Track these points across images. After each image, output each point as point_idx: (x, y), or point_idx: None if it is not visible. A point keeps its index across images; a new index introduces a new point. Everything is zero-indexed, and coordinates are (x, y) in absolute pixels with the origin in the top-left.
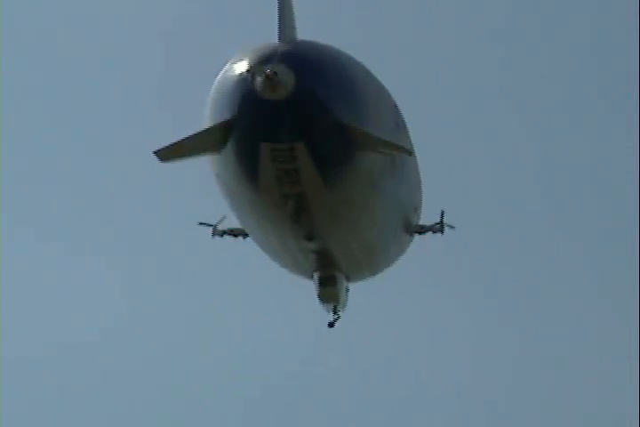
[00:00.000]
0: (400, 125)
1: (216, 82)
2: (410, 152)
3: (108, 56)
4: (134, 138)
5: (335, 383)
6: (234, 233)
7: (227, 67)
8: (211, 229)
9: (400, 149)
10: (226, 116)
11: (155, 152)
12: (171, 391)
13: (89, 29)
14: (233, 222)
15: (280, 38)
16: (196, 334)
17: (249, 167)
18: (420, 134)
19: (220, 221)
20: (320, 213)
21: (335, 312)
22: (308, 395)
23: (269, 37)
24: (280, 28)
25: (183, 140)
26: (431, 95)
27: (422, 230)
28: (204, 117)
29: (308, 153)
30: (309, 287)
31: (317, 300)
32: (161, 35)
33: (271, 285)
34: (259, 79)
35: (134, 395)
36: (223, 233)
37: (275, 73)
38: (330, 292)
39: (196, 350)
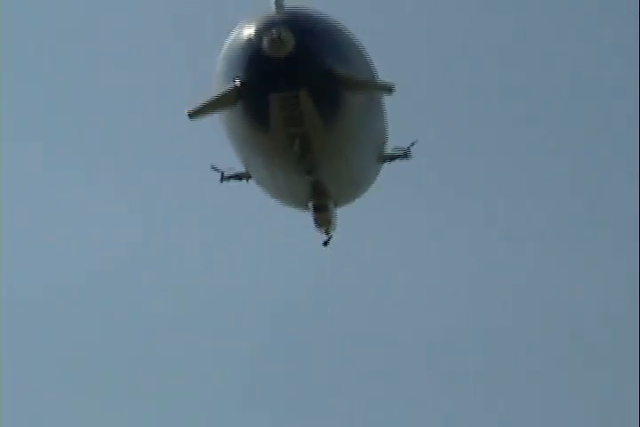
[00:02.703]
0: (374, 72)
1: (226, 44)
2: (390, 89)
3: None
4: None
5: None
6: (239, 177)
7: (235, 32)
8: (219, 174)
9: (382, 87)
10: (239, 73)
11: (187, 112)
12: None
13: None
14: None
15: (277, 8)
16: (204, 265)
17: (261, 115)
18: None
19: (229, 170)
20: (320, 148)
21: (327, 233)
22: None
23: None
24: None
25: (209, 100)
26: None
27: (391, 158)
28: (216, 76)
29: (309, 98)
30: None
31: (313, 224)
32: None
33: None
34: (265, 41)
35: (141, 324)
36: (230, 177)
37: (279, 35)
38: (324, 216)
39: (203, 280)
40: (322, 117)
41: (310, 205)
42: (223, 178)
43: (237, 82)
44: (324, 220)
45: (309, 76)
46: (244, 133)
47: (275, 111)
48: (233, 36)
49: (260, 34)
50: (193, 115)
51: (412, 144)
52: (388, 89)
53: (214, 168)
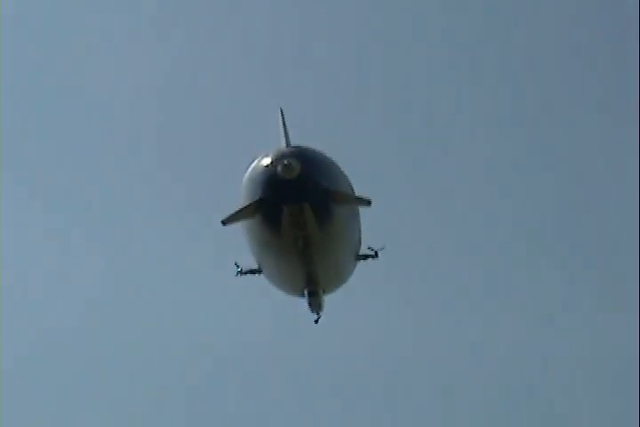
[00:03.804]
0: (353, 190)
1: (249, 170)
2: (369, 202)
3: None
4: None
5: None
6: (253, 271)
7: (255, 162)
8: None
9: (362, 201)
10: (260, 191)
11: (222, 221)
12: None
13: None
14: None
15: (287, 144)
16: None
17: (275, 221)
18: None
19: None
20: (316, 247)
21: (318, 313)
22: None
23: (274, 142)
24: (285, 137)
25: (239, 211)
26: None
27: (363, 257)
28: (242, 194)
29: (310, 209)
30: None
31: (307, 306)
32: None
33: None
34: (279, 167)
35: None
36: (245, 272)
37: (290, 163)
38: (315, 300)
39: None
40: (318, 223)
41: (305, 291)
42: (241, 272)
43: (258, 198)
44: (315, 302)
45: (310, 194)
46: (262, 235)
47: (285, 218)
48: (254, 163)
49: (275, 162)
50: (226, 222)
51: (381, 249)
52: (367, 202)
53: (236, 264)
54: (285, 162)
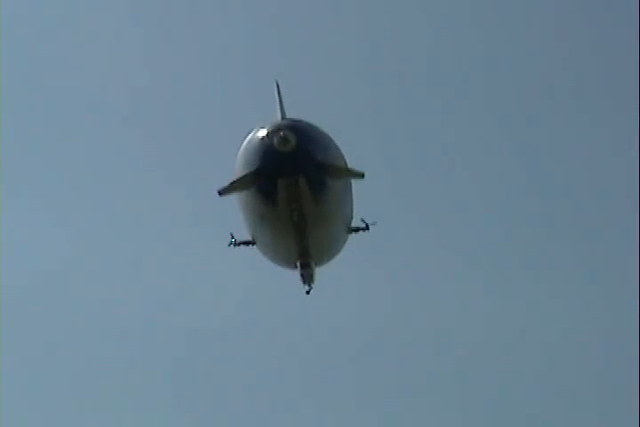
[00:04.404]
0: (346, 162)
1: (245, 142)
2: (362, 175)
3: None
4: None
5: None
6: (246, 243)
7: (251, 134)
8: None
9: (355, 174)
10: (256, 163)
11: (218, 191)
12: None
13: None
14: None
15: (282, 117)
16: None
17: (271, 194)
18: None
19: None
20: (310, 220)
21: (309, 285)
22: None
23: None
24: (281, 110)
25: (236, 181)
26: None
27: (355, 230)
28: (238, 165)
29: (305, 182)
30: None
31: (299, 278)
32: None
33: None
34: (275, 139)
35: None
36: (239, 243)
37: (286, 135)
38: (308, 272)
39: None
40: (313, 196)
41: (297, 263)
42: (235, 243)
43: (255, 168)
44: (307, 274)
45: (306, 167)
46: (257, 208)
47: (281, 191)
48: (250, 135)
49: (271, 134)
50: (222, 192)
51: (373, 223)
52: (360, 175)
53: (231, 235)
54: (282, 134)
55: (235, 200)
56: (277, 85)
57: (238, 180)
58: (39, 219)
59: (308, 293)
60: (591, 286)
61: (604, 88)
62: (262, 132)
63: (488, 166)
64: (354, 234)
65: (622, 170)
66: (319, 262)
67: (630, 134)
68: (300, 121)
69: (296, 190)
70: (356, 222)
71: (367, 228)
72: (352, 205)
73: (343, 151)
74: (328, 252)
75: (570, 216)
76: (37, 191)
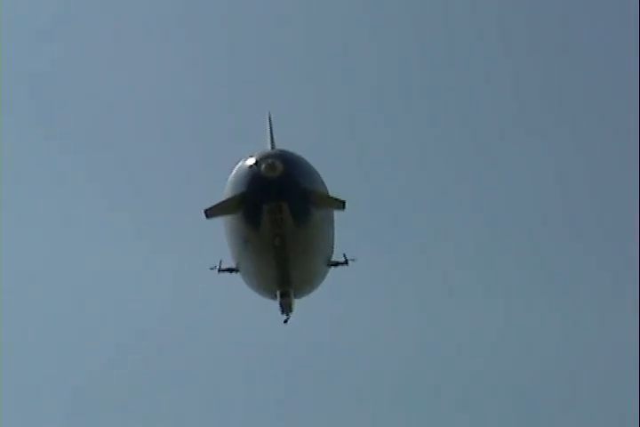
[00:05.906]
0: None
1: (234, 170)
2: (344, 203)
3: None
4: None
5: None
6: (230, 270)
7: (241, 161)
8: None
9: (337, 202)
10: (243, 187)
11: (205, 210)
12: None
13: None
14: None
15: (272, 146)
16: None
17: (255, 217)
18: None
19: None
20: (291, 245)
21: (287, 314)
22: None
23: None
24: (271, 141)
25: (223, 202)
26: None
27: (334, 264)
28: (227, 191)
29: (288, 208)
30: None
31: (278, 307)
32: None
33: None
34: (263, 166)
35: None
36: (224, 270)
37: (273, 162)
38: (287, 301)
39: None
40: (295, 222)
41: (277, 292)
42: (219, 269)
43: (241, 191)
44: (286, 303)
45: (290, 192)
46: (242, 231)
47: (265, 215)
48: (239, 163)
49: (259, 162)
50: (209, 212)
51: (353, 259)
52: (342, 203)
53: (220, 261)
54: (270, 161)
55: (221, 227)
56: (269, 117)
57: (225, 201)
58: None
59: (285, 322)
60: (591, 286)
61: (604, 88)
62: (250, 161)
63: (474, 196)
64: (333, 268)
65: (622, 170)
66: (299, 293)
67: (630, 134)
68: (287, 151)
69: (279, 215)
70: (336, 256)
71: (346, 262)
72: (333, 239)
73: (327, 185)
74: (308, 281)
75: (570, 216)
76: None
